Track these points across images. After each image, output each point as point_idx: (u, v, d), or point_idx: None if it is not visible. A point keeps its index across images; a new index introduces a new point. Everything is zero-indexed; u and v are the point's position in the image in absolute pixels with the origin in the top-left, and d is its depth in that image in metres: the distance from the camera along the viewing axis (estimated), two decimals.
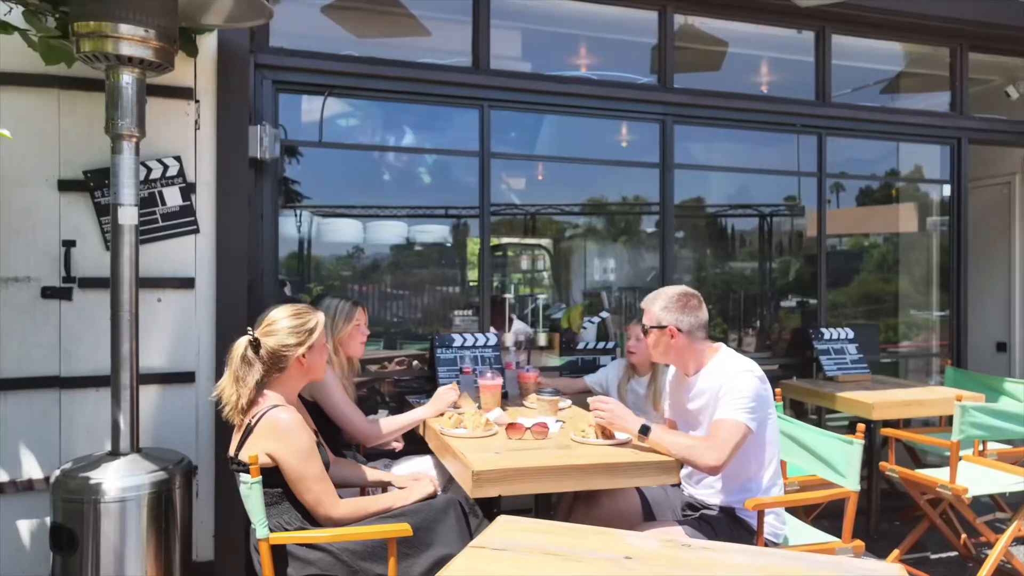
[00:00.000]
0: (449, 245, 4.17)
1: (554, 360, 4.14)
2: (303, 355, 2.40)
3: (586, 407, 2.75)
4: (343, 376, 3.06)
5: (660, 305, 2.66)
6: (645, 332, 2.69)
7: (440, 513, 2.45)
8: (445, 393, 3.13)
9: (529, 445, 2.61)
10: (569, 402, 3.37)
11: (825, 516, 3.46)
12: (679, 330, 2.63)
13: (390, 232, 3.92)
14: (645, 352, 3.45)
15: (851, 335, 4.52)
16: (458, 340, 3.80)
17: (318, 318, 2.47)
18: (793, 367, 4.67)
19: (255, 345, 2.36)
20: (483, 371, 3.30)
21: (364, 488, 2.82)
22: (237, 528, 3.09)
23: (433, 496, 2.53)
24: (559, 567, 1.47)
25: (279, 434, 2.25)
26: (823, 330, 4.48)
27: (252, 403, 2.32)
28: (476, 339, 3.82)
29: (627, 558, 1.51)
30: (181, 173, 2.99)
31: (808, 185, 5.95)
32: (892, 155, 5.80)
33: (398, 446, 3.27)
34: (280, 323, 2.40)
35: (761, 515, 2.51)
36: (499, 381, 3.22)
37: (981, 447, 3.78)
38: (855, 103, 4.70)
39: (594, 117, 4.12)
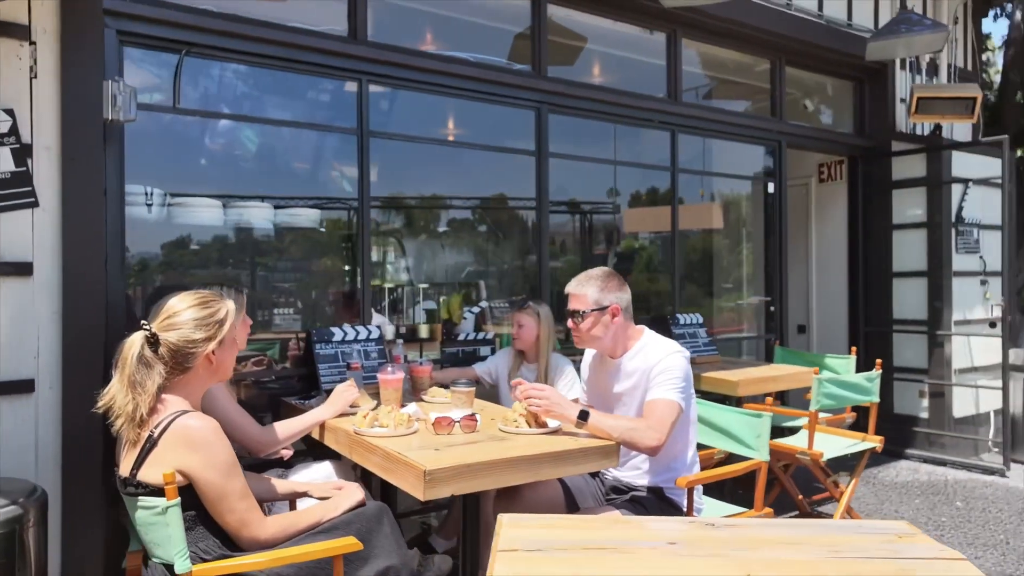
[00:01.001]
0: (322, 231, 3.80)
1: (434, 352, 3.95)
2: (213, 351, 2.02)
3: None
4: None
5: (596, 287, 2.62)
6: (579, 317, 2.63)
7: (374, 522, 2.20)
8: (345, 391, 2.84)
9: (461, 439, 2.43)
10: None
11: (713, 488, 3.66)
12: (621, 308, 2.61)
13: (254, 216, 3.48)
14: (530, 339, 3.42)
15: (700, 320, 4.85)
16: (338, 334, 3.48)
17: (228, 307, 2.09)
18: None
19: (153, 342, 1.94)
20: (384, 365, 3.04)
21: (271, 503, 2.46)
22: (92, 569, 2.55)
23: (363, 504, 2.27)
24: (614, 561, 1.35)
25: (194, 445, 1.87)
26: (679, 316, 4.75)
27: (152, 411, 1.90)
28: (358, 332, 3.53)
29: (671, 544, 1.43)
30: (14, 131, 2.39)
31: (625, 183, 6.33)
32: (706, 155, 6.32)
33: (287, 453, 2.91)
34: (183, 314, 2.00)
35: (691, 492, 2.56)
36: (400, 375, 2.98)
37: None
38: (700, 104, 5.04)
39: (473, 100, 3.99)
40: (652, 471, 2.65)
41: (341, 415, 2.80)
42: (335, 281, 4.02)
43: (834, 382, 3.70)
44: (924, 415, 5.73)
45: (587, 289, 2.63)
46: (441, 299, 4.25)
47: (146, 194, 3.09)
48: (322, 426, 2.78)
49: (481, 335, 4.03)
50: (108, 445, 2.70)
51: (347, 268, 3.81)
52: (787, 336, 5.65)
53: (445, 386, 3.38)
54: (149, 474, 1.85)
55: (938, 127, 5.85)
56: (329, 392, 3.29)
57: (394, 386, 2.97)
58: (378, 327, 3.60)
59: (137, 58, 3.02)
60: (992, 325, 5.59)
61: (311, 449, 2.87)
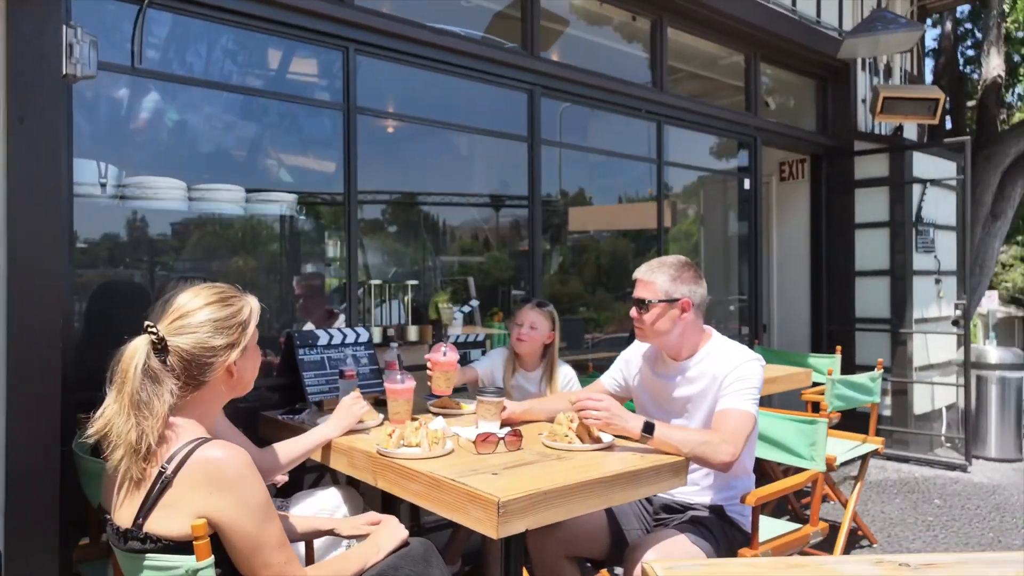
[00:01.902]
0: (302, 218, 3.32)
1: (423, 354, 3.55)
2: (234, 362, 1.59)
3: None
4: None
5: (668, 275, 2.32)
6: (644, 307, 2.32)
7: (423, 564, 1.82)
8: (352, 405, 2.42)
9: (509, 459, 2.09)
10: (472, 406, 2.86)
11: None
12: (693, 304, 2.32)
13: (224, 199, 2.98)
14: (537, 344, 3.10)
15: None
16: (323, 337, 3.03)
17: (251, 305, 1.66)
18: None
19: (161, 349, 1.50)
20: (391, 373, 2.63)
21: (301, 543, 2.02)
22: None
23: (407, 543, 1.88)
24: None
25: (222, 484, 1.43)
26: None
27: (161, 439, 1.46)
28: (346, 336, 3.09)
29: None
30: None
31: (572, 180, 6.10)
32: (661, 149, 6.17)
33: (281, 480, 2.46)
34: (199, 314, 1.55)
35: (756, 511, 2.31)
36: (412, 384, 2.59)
37: None
38: (684, 96, 4.85)
39: (465, 78, 3.62)
40: (714, 487, 2.38)
41: (348, 432, 2.39)
42: (316, 278, 3.55)
43: (846, 383, 3.57)
44: (887, 412, 5.78)
45: (657, 276, 2.33)
46: (402, 297, 3.82)
47: (98, 170, 2.55)
48: (327, 446, 2.35)
49: (472, 337, 3.66)
50: (68, 486, 2.18)
51: (329, 265, 3.36)
52: (759, 335, 5.57)
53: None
54: (163, 523, 1.41)
55: (899, 128, 5.93)
56: (318, 404, 2.88)
57: (406, 397, 2.57)
58: (367, 329, 3.17)
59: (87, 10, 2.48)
60: (955, 323, 5.70)
61: (299, 473, 2.44)
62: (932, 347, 5.92)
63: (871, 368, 5.89)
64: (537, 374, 3.17)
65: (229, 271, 3.32)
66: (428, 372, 2.90)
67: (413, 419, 2.60)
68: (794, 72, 5.86)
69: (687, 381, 2.37)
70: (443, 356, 2.55)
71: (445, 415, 2.73)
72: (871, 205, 5.85)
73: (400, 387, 2.56)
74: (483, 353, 3.70)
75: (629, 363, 2.63)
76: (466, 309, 3.72)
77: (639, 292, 2.37)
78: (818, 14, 5.63)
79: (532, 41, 3.86)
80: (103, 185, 2.56)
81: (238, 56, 3.09)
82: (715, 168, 5.82)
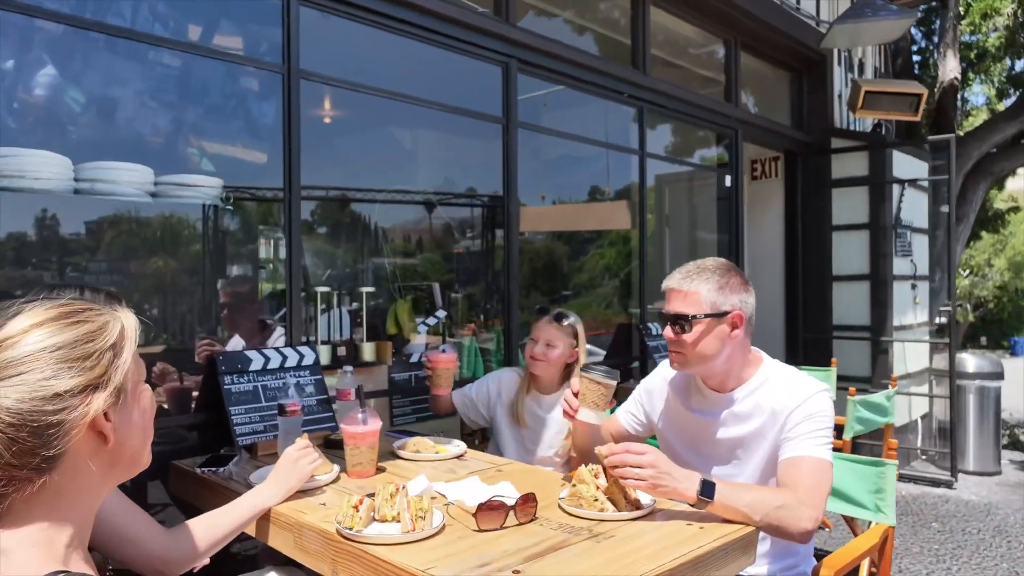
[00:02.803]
0: (229, 210, 2.63)
1: (379, 381, 2.93)
2: (104, 413, 0.94)
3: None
4: None
5: (714, 282, 1.79)
6: (685, 325, 1.77)
7: None
8: (300, 458, 1.79)
9: (531, 539, 1.51)
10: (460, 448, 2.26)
11: None
12: (745, 318, 1.79)
13: (124, 182, 2.27)
14: (558, 365, 2.53)
15: None
16: (256, 360, 2.38)
17: (124, 321, 1.01)
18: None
19: None
20: (346, 412, 2.00)
21: None
22: None
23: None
24: None
25: None
26: (650, 325, 4.04)
27: None
28: (286, 357, 2.44)
29: None
30: None
31: (524, 177, 5.62)
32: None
33: (200, 564, 1.80)
34: (25, 342, 0.90)
35: None
36: (377, 425, 1.98)
37: None
38: (667, 81, 4.36)
39: (432, 44, 3.01)
40: (770, 555, 1.86)
41: (294, 495, 1.76)
42: (245, 283, 2.88)
43: (866, 404, 3.14)
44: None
45: (700, 285, 1.79)
46: (354, 308, 3.19)
47: None
48: (265, 517, 1.72)
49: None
50: None
51: (263, 268, 2.70)
52: None
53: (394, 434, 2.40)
54: None
55: (878, 125, 5.63)
56: (249, 449, 2.23)
57: (370, 442, 1.97)
58: (312, 348, 2.53)
59: None
60: (940, 331, 5.43)
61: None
62: (909, 355, 5.65)
63: (852, 380, 5.58)
64: (553, 400, 2.58)
65: (134, 275, 2.62)
66: (427, 372, 2.34)
67: (380, 469, 2.00)
68: (771, 63, 5.48)
69: (735, 419, 1.84)
70: (363, 425, 1.95)
71: (418, 461, 2.13)
72: (849, 206, 5.52)
73: (362, 430, 1.95)
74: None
75: (652, 395, 2.08)
76: (431, 321, 3.11)
77: (676, 306, 1.82)
78: (797, 1, 5.27)
79: (507, 6, 3.29)
80: None
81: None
82: (696, 164, 5.37)
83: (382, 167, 4.57)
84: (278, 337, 3.17)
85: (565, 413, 1.94)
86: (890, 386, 3.54)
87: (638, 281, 4.26)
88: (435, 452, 2.16)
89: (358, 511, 1.54)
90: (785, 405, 1.77)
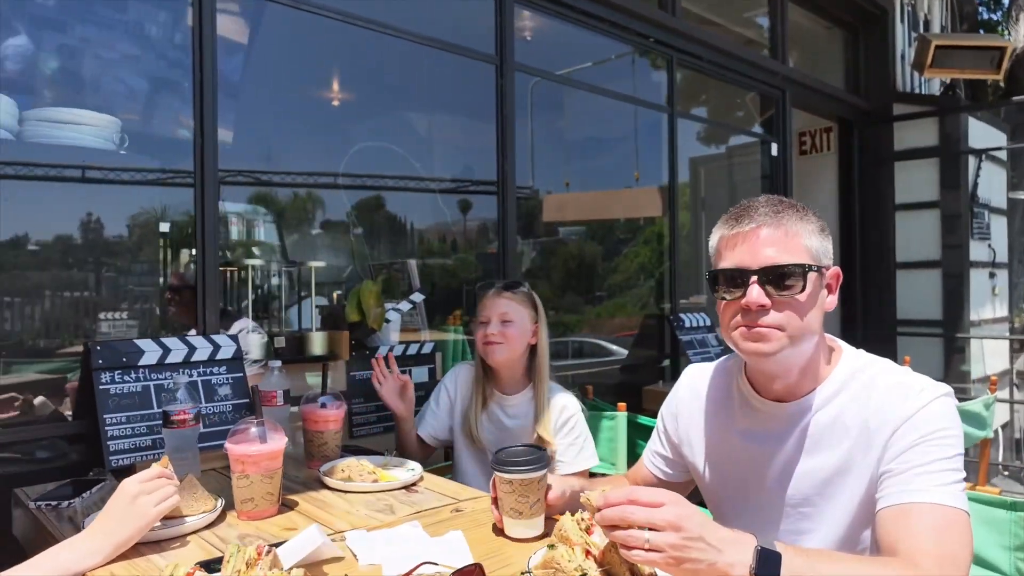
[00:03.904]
0: (123, 153, 2.04)
1: (335, 376, 2.33)
2: None
3: None
4: None
5: (815, 224, 1.15)
6: (787, 282, 1.11)
7: None
8: (141, 494, 1.18)
9: None
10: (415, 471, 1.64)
11: None
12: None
13: None
14: (519, 345, 1.91)
15: (708, 321, 3.50)
16: (149, 351, 1.79)
17: None
18: (632, 368, 3.52)
19: None
20: (242, 421, 1.39)
21: None
22: None
23: None
24: None
25: None
26: (683, 316, 3.37)
27: None
28: (192, 348, 1.85)
29: None
30: None
31: (545, 165, 5.03)
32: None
33: None
34: None
35: None
36: (282, 444, 1.37)
37: None
38: (700, 28, 3.69)
39: None
40: None
41: (137, 547, 1.16)
42: (150, 253, 2.31)
43: (961, 413, 2.42)
44: None
45: (799, 223, 1.13)
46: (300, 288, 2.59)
47: None
48: None
49: (414, 348, 2.44)
50: None
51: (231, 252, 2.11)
52: None
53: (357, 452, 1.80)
54: None
55: (950, 87, 4.87)
56: (124, 473, 1.62)
57: (265, 467, 1.35)
58: (232, 336, 1.94)
59: None
60: None
61: None
62: (988, 355, 4.86)
63: None
64: (521, 401, 1.95)
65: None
66: (312, 434, 1.72)
67: (285, 505, 1.40)
68: (823, 18, 4.76)
69: (809, 442, 1.18)
70: (260, 444, 1.34)
71: (347, 493, 1.51)
72: (915, 181, 4.77)
73: (253, 451, 1.34)
74: (432, 373, 2.49)
75: (679, 417, 1.40)
76: (405, 306, 2.48)
77: (775, 254, 1.13)
78: None
79: None
80: None
81: None
82: (735, 127, 4.67)
83: (389, 153, 4.00)
84: (243, 330, 2.60)
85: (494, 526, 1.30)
86: (988, 391, 2.82)
87: (668, 269, 3.61)
88: (373, 479, 1.54)
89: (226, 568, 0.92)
90: (886, 419, 1.11)
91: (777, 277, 1.11)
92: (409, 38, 2.50)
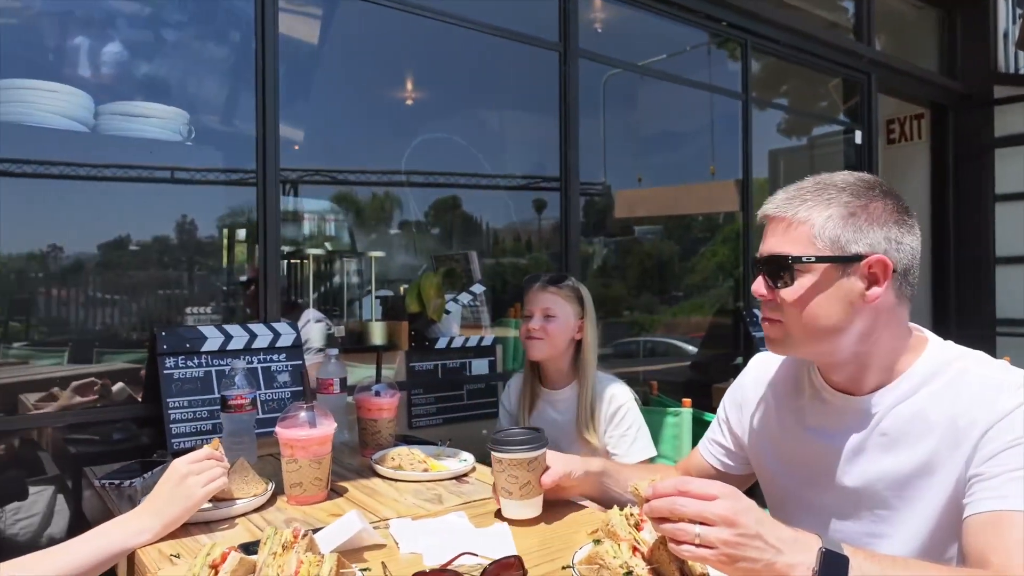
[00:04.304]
0: (189, 145, 2.10)
1: (391, 370, 2.33)
2: None
3: None
4: None
5: (840, 207, 1.03)
6: (783, 273, 1.04)
7: None
8: (190, 474, 1.19)
9: None
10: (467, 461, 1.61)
11: None
12: (894, 267, 1.04)
13: (45, 106, 1.78)
14: (562, 340, 1.87)
15: None
16: (212, 337, 1.82)
17: None
18: (703, 365, 3.38)
19: None
20: (292, 406, 1.39)
21: None
22: None
23: None
24: None
25: None
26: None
27: None
28: (253, 335, 1.87)
29: None
30: None
31: (618, 160, 4.92)
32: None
33: None
34: None
35: None
36: (328, 429, 1.36)
37: None
38: (774, 8, 3.52)
39: None
40: None
41: (185, 527, 1.17)
42: (231, 250, 2.36)
43: None
44: None
45: (813, 209, 1.04)
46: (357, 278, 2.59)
47: None
48: (128, 560, 1.13)
49: (475, 340, 2.41)
50: None
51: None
52: None
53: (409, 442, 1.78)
54: None
55: None
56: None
57: (314, 452, 1.34)
58: (291, 324, 1.96)
59: None
60: None
61: None
62: None
63: None
64: (569, 395, 1.91)
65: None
66: (366, 422, 1.71)
67: (335, 491, 1.39)
68: None
69: (884, 439, 1.07)
70: (309, 428, 1.33)
71: (397, 482, 1.49)
72: (1018, 170, 4.42)
73: (302, 435, 1.34)
74: (492, 365, 2.46)
75: (743, 407, 1.32)
76: (464, 297, 2.46)
77: (774, 243, 1.08)
78: None
79: None
80: None
81: None
82: (815, 115, 4.45)
83: (461, 152, 4.02)
84: (308, 320, 2.65)
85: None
86: None
87: (743, 263, 3.46)
88: (424, 469, 1.51)
89: (216, 573, 0.91)
90: (976, 417, 0.99)
91: (775, 268, 1.07)
92: (474, 27, 2.47)
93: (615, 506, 1.06)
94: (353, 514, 1.08)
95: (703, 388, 3.16)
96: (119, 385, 2.44)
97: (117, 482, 1.48)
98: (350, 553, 1.06)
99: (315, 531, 1.05)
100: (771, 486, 1.26)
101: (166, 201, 2.60)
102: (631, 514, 1.03)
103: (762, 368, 1.30)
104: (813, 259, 1.03)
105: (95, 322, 2.57)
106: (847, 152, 4.19)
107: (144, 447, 1.88)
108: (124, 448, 1.89)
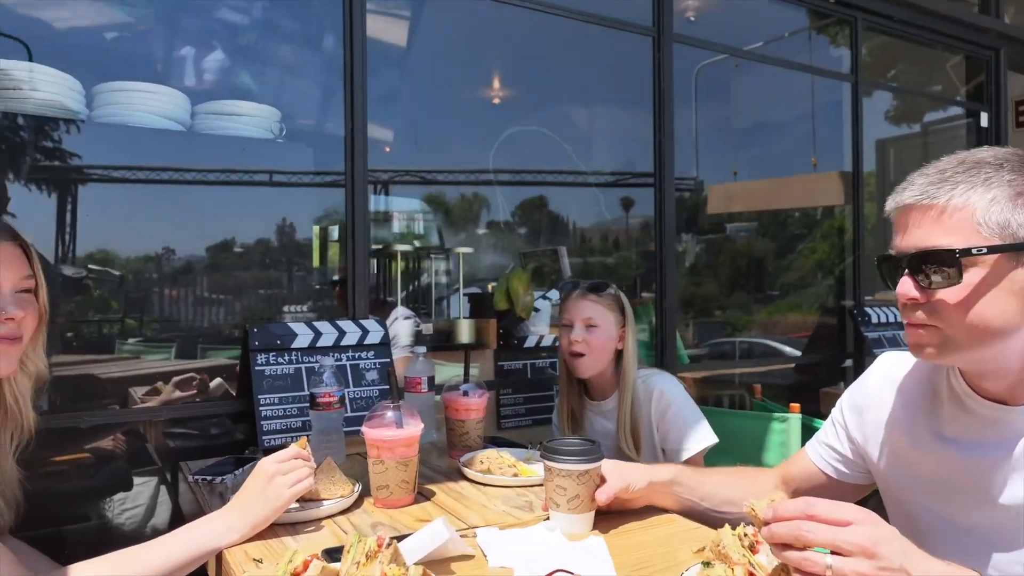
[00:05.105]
0: (281, 142, 2.12)
1: (483, 365, 2.27)
2: None
3: None
4: None
5: (1004, 187, 0.88)
6: (943, 269, 0.90)
7: None
8: (277, 474, 1.17)
9: None
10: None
11: None
12: None
13: (142, 106, 1.83)
14: (600, 354, 1.76)
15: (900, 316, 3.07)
16: (302, 334, 1.82)
17: None
18: (809, 368, 3.17)
19: None
20: (379, 405, 1.35)
21: None
22: None
23: None
24: None
25: None
26: (868, 310, 2.98)
27: None
28: (342, 332, 1.86)
29: None
30: None
31: (711, 155, 4.68)
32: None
33: None
34: None
35: None
36: (415, 429, 1.31)
37: None
38: None
39: None
40: None
41: (273, 528, 1.14)
42: (325, 249, 2.38)
43: None
44: None
45: (972, 192, 0.89)
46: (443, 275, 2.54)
47: None
48: (217, 560, 1.12)
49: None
50: None
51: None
52: None
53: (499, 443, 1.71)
54: None
55: None
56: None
57: (401, 455, 1.29)
58: (379, 321, 1.93)
59: None
60: None
61: None
62: None
63: None
64: (611, 403, 1.82)
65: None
66: (454, 423, 1.65)
67: (422, 494, 1.34)
68: None
69: None
70: (395, 429, 1.28)
71: (486, 486, 1.43)
72: None
73: (389, 436, 1.29)
74: None
75: (864, 412, 1.17)
76: (553, 294, 2.39)
77: (923, 234, 0.93)
78: None
79: None
80: None
81: None
82: (934, 95, 4.11)
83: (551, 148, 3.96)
84: (396, 318, 2.65)
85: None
86: None
87: (853, 261, 3.23)
88: (513, 474, 1.44)
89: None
90: None
91: (929, 264, 0.90)
92: (563, 14, 2.39)
93: (727, 525, 0.95)
94: (439, 522, 1.02)
95: (809, 392, 2.96)
96: (217, 380, 2.50)
97: (209, 478, 1.49)
98: (436, 564, 1.00)
99: (400, 538, 0.99)
100: (898, 503, 1.11)
101: (265, 203, 2.66)
102: (744, 534, 0.93)
103: (890, 369, 1.16)
104: (984, 250, 0.88)
105: (200, 320, 2.65)
106: (968, 140, 3.84)
107: (238, 443, 1.91)
108: (220, 443, 1.92)
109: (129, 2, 2.13)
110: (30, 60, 1.86)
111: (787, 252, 5.13)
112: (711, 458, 1.76)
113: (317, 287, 3.01)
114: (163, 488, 2.11)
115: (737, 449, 1.96)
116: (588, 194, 3.74)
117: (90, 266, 2.28)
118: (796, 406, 1.99)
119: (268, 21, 2.32)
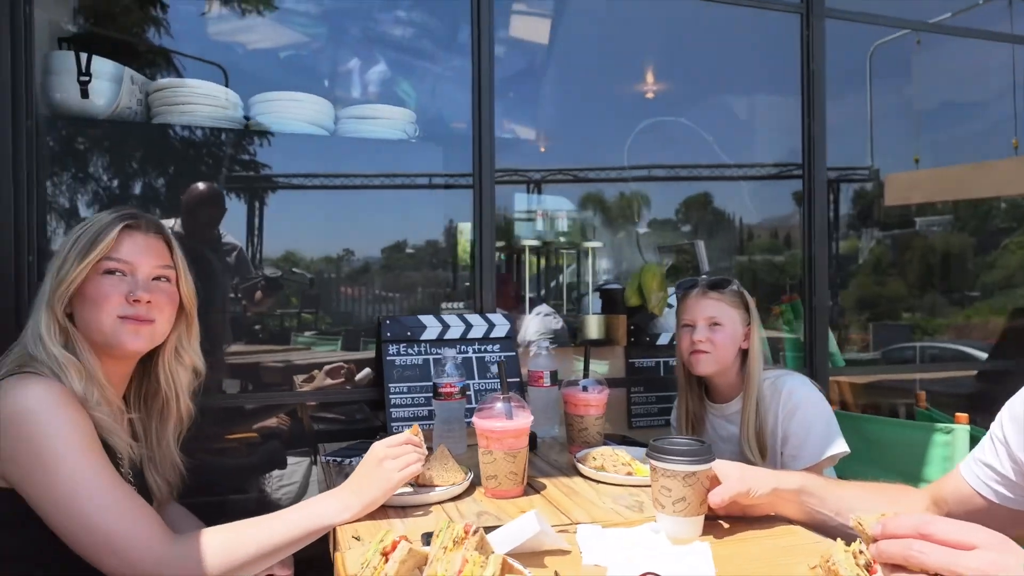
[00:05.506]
0: (413, 142, 2.21)
1: (613, 363, 2.23)
2: None
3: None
4: (103, 408, 1.15)
5: None
6: None
7: None
8: (387, 458, 1.22)
9: None
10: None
11: None
12: None
13: (292, 115, 1.98)
14: (725, 354, 1.63)
15: None
16: (431, 327, 1.88)
17: None
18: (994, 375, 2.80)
19: None
20: (489, 397, 1.37)
21: None
22: None
23: None
24: None
25: None
26: None
27: None
28: (469, 324, 1.90)
29: None
30: None
31: (888, 141, 4.24)
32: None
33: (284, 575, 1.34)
34: None
35: None
36: (524, 421, 1.31)
37: None
38: None
39: None
40: None
41: (382, 509, 1.19)
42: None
43: None
44: None
45: None
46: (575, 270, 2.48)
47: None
48: (334, 541, 1.18)
49: None
50: None
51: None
52: None
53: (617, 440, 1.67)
54: None
55: None
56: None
57: (509, 445, 1.30)
58: (506, 315, 1.95)
59: None
60: None
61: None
62: None
63: None
64: (733, 407, 1.70)
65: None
66: (573, 418, 1.63)
67: (531, 487, 1.34)
68: None
69: None
70: (505, 420, 1.27)
71: (599, 483, 1.39)
72: None
73: (498, 427, 1.30)
74: None
75: None
76: None
77: None
78: None
79: None
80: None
81: None
82: None
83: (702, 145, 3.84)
84: (537, 314, 2.68)
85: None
86: None
87: None
88: (627, 472, 1.40)
89: (387, 561, 0.90)
90: None
91: None
92: None
93: (839, 540, 0.86)
94: (531, 515, 1.00)
95: (992, 403, 2.61)
96: (365, 370, 2.66)
97: (339, 460, 1.58)
98: (530, 556, 0.99)
99: (492, 529, 0.99)
100: None
101: (424, 205, 2.79)
102: (860, 551, 0.83)
103: None
104: None
105: (365, 315, 2.83)
106: None
107: (376, 428, 2.01)
108: (359, 428, 2.04)
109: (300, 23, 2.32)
110: (226, 84, 2.07)
111: (990, 248, 4.57)
112: (856, 469, 1.61)
113: (467, 284, 3.12)
114: (315, 468, 2.28)
115: (891, 462, 1.76)
116: (752, 188, 3.56)
117: (293, 269, 2.52)
118: (963, 416, 1.75)
119: (403, 25, 2.43)
